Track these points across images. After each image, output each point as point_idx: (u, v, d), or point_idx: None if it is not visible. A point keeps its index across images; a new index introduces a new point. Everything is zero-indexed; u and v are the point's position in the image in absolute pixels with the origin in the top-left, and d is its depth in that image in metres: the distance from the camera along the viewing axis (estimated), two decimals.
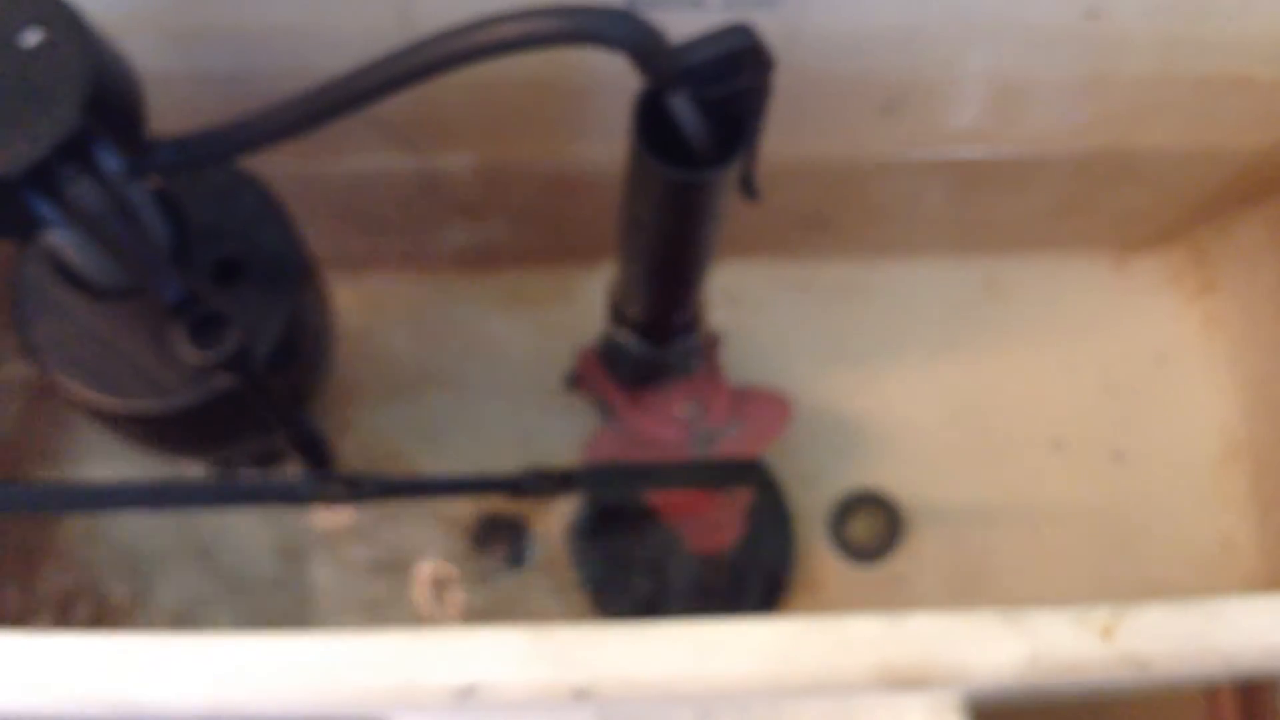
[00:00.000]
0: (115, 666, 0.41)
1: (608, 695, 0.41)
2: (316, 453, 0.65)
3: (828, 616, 0.44)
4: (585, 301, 0.88)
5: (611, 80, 0.54)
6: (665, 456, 0.76)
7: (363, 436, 0.90)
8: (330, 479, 0.56)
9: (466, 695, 0.41)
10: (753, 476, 0.72)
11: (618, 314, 0.73)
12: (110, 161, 0.46)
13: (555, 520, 0.88)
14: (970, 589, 0.89)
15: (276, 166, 0.62)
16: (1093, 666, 0.44)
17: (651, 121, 0.51)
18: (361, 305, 0.91)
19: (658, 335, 0.72)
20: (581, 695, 0.42)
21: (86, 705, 0.41)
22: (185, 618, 0.84)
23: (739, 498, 0.78)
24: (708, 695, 0.43)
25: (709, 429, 0.77)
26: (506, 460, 0.88)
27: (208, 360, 0.48)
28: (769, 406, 0.81)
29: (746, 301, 0.93)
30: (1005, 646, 0.44)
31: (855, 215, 0.89)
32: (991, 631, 0.44)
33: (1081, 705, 0.76)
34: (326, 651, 0.41)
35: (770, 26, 0.51)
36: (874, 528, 0.90)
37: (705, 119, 0.50)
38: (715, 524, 0.79)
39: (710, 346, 0.78)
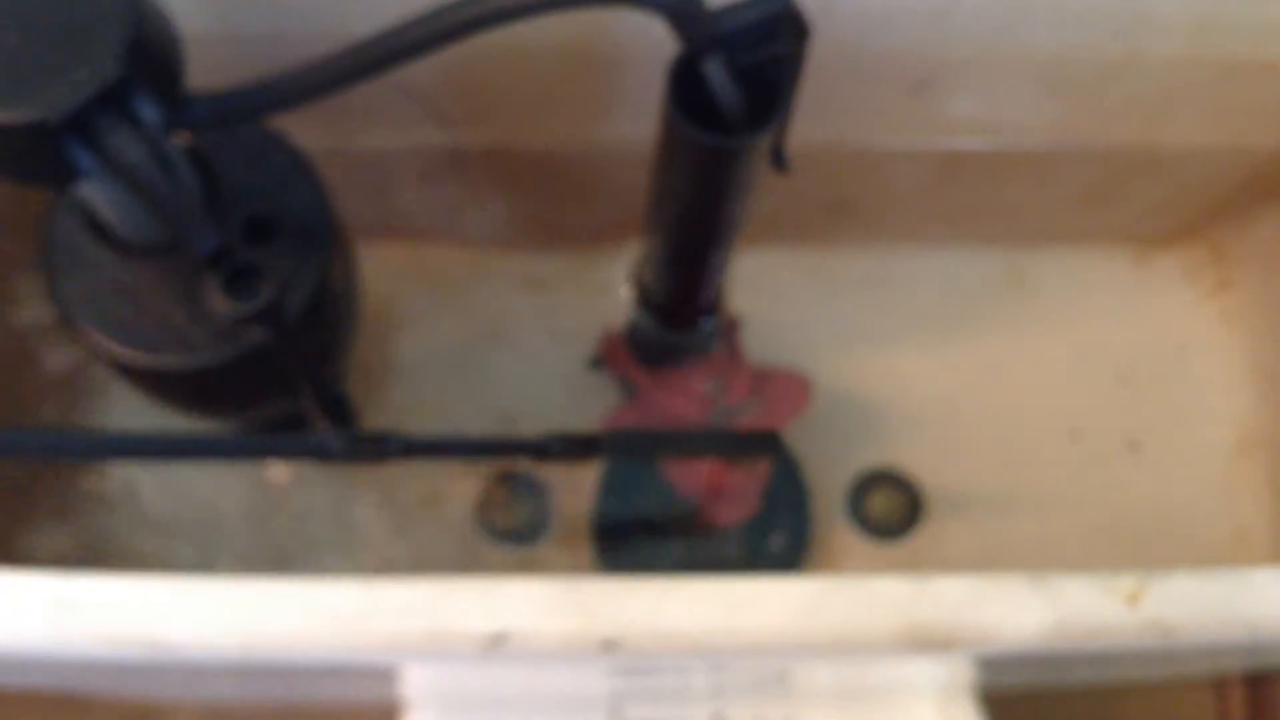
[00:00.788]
0: (146, 606, 0.42)
1: (636, 646, 0.42)
2: (341, 415, 0.65)
3: (854, 576, 0.44)
4: (610, 282, 0.89)
5: (643, 51, 0.54)
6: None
7: (383, 406, 0.90)
8: (356, 437, 0.57)
9: (497, 643, 0.41)
10: (773, 447, 0.73)
11: (641, 295, 0.73)
12: (149, 112, 0.47)
13: (572, 489, 0.88)
14: (987, 569, 0.89)
15: (306, 139, 0.62)
16: (1118, 632, 0.44)
17: (685, 88, 0.51)
18: (386, 274, 0.91)
19: (680, 317, 0.72)
20: (610, 646, 0.42)
21: (117, 645, 0.42)
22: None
23: (757, 471, 0.79)
24: (736, 650, 0.43)
25: (729, 406, 0.77)
26: (527, 433, 0.89)
27: (241, 312, 0.48)
28: (789, 385, 0.81)
29: (768, 287, 0.94)
30: (1032, 610, 0.44)
31: (878, 201, 0.90)
32: (1019, 595, 0.44)
33: (1093, 699, 0.77)
34: (359, 596, 0.42)
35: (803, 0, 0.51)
36: (893, 506, 0.91)
37: (740, 86, 0.50)
38: (733, 497, 0.79)
39: (730, 329, 0.79)
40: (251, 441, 0.58)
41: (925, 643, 0.43)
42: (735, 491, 0.79)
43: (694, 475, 0.78)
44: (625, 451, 0.73)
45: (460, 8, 0.48)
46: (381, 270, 0.91)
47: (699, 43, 0.49)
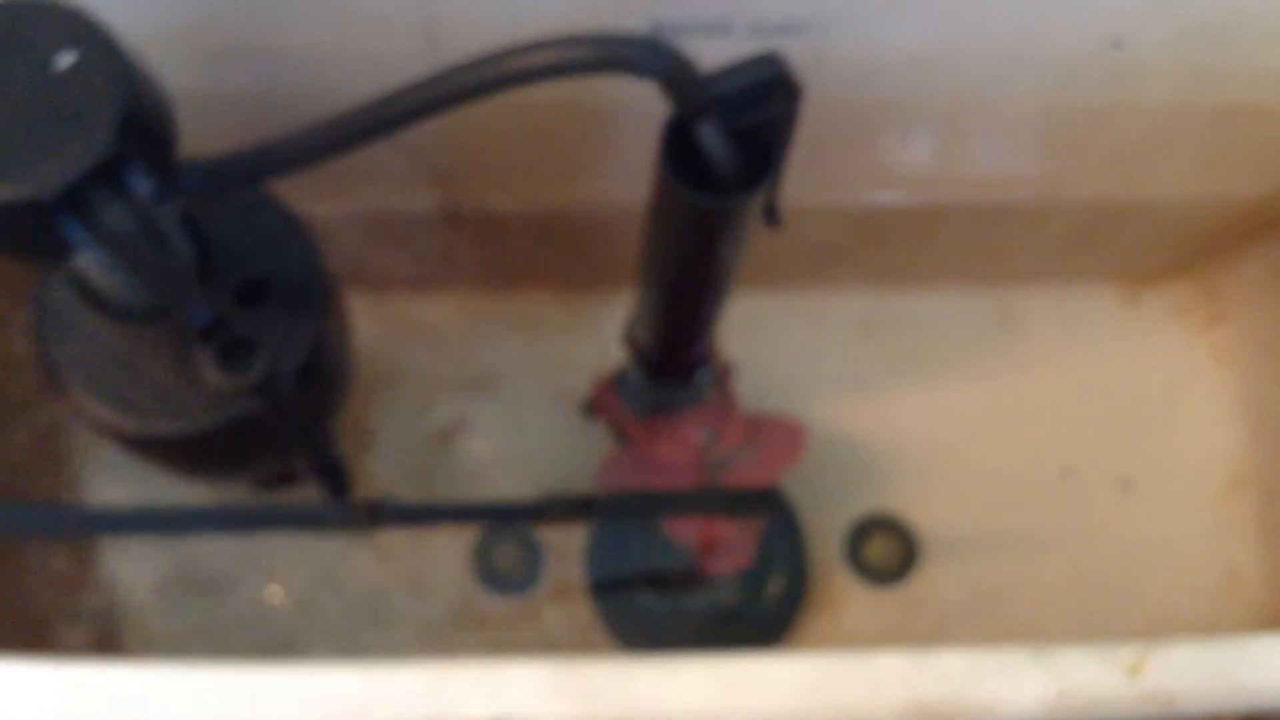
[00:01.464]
0: (153, 696, 0.41)
1: None
2: (334, 476, 0.65)
3: (855, 652, 0.44)
4: (602, 328, 0.89)
5: (635, 105, 0.54)
6: (679, 482, 0.76)
7: (380, 455, 0.90)
8: (352, 505, 0.56)
9: None
10: (767, 505, 0.73)
11: (633, 349, 0.73)
12: (141, 185, 0.46)
13: (568, 539, 0.88)
14: (985, 613, 0.90)
15: (298, 199, 0.62)
16: (1120, 704, 0.44)
17: (678, 148, 0.51)
18: (380, 324, 0.91)
19: (673, 372, 0.72)
20: None
21: None
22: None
23: (752, 523, 0.78)
24: None
25: (723, 455, 0.77)
26: (521, 481, 0.89)
27: (237, 384, 0.48)
28: (783, 433, 0.81)
29: (760, 331, 0.94)
30: (1033, 683, 0.44)
31: (868, 246, 0.90)
32: (1019, 668, 0.44)
33: None
34: (357, 682, 0.41)
35: (796, 52, 0.51)
36: (889, 551, 0.91)
37: (733, 147, 0.50)
38: (729, 548, 0.79)
39: (723, 376, 0.78)
40: (248, 513, 0.58)
41: (928, 717, 0.43)
42: (730, 543, 0.79)
43: (689, 527, 0.78)
44: (620, 513, 0.73)
45: (455, 76, 0.48)
46: (373, 319, 0.91)
47: (693, 107, 0.49)
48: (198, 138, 0.51)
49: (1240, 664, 0.45)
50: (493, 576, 0.87)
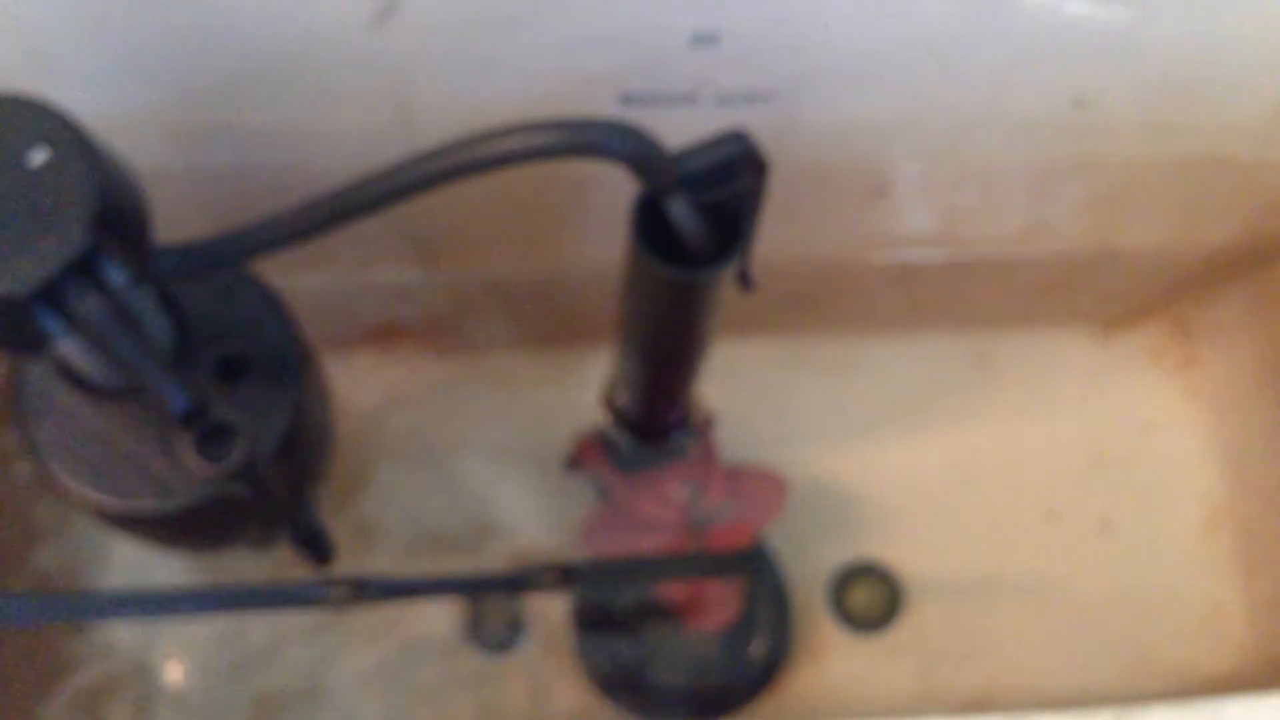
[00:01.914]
0: None
1: None
2: (317, 545, 0.65)
3: None
4: (583, 383, 0.89)
5: (610, 172, 0.55)
6: (662, 537, 0.77)
7: (361, 515, 0.90)
8: (336, 581, 0.57)
9: None
10: (750, 566, 0.73)
11: (612, 410, 0.73)
12: (116, 275, 0.47)
13: (553, 599, 0.88)
14: (971, 657, 0.90)
15: (274, 267, 0.63)
16: None
17: (650, 221, 0.52)
18: (356, 382, 0.92)
19: (652, 431, 0.73)
20: None
21: None
22: None
23: (735, 581, 0.79)
24: None
25: (705, 510, 0.78)
26: (505, 538, 0.90)
27: (216, 472, 0.48)
28: (765, 486, 0.81)
29: (739, 379, 0.94)
30: None
31: (845, 296, 0.91)
32: None
33: None
34: None
35: (763, 120, 0.52)
36: (873, 598, 0.91)
37: (702, 221, 0.51)
38: (713, 604, 0.79)
39: (705, 427, 0.79)
40: (234, 594, 0.58)
41: None
42: (716, 599, 0.79)
43: (672, 587, 0.78)
44: (604, 579, 0.74)
45: (427, 162, 0.48)
46: (351, 378, 0.91)
47: (662, 185, 0.50)
48: (174, 215, 0.52)
49: None
50: (477, 637, 0.87)
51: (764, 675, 0.88)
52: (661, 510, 0.78)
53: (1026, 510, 0.95)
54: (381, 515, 0.91)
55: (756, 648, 0.88)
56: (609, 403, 0.75)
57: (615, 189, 0.53)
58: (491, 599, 0.86)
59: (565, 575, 0.61)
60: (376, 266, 0.80)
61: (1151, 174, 0.76)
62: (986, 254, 0.85)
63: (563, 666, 0.87)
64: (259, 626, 0.86)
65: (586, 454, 0.83)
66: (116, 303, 0.47)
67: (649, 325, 0.60)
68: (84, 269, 0.45)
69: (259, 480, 0.51)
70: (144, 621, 0.81)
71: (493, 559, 0.88)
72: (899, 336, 0.97)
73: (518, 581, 0.62)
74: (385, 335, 0.92)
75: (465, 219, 0.76)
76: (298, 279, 0.62)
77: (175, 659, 0.85)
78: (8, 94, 0.46)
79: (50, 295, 0.45)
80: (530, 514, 0.91)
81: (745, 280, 0.57)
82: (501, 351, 0.94)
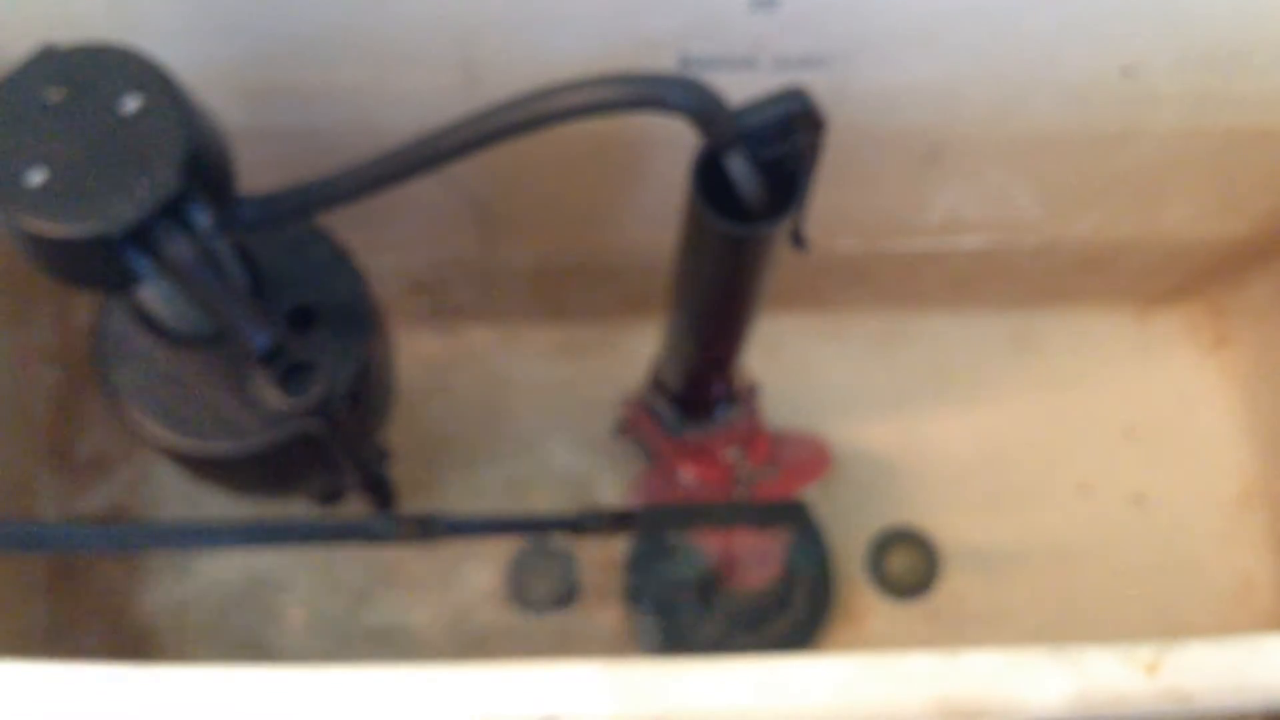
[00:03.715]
0: (186, 697, 0.44)
1: None
2: (381, 492, 0.67)
3: (886, 653, 0.46)
4: (632, 351, 0.91)
5: (665, 138, 0.57)
6: (708, 497, 0.78)
7: (420, 480, 0.92)
8: (403, 519, 0.59)
9: None
10: (798, 516, 0.75)
11: (660, 388, 0.75)
12: (203, 219, 0.49)
13: (602, 559, 0.90)
14: (1004, 624, 0.92)
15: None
16: (1138, 701, 0.46)
17: (708, 179, 0.53)
18: (419, 354, 0.94)
19: (697, 407, 0.74)
20: None
21: None
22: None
23: (779, 538, 0.81)
24: None
25: (751, 472, 0.79)
26: (557, 503, 0.92)
27: (296, 406, 0.50)
28: (808, 449, 0.83)
29: (785, 351, 0.96)
30: (1055, 681, 0.46)
31: (889, 272, 0.92)
32: (1042, 668, 0.46)
33: None
34: (413, 684, 0.44)
35: (819, 85, 0.53)
36: (911, 564, 0.93)
37: (760, 177, 0.53)
38: (756, 561, 0.81)
39: (750, 395, 0.81)
40: (303, 527, 0.60)
41: (956, 714, 0.45)
42: (758, 556, 0.81)
43: (718, 542, 0.80)
44: (658, 526, 0.75)
45: (497, 115, 0.50)
46: (412, 345, 0.93)
47: (722, 140, 0.51)
48: (246, 173, 0.54)
49: (1253, 662, 0.47)
50: (531, 599, 0.90)
51: (804, 637, 0.89)
52: (708, 472, 0.79)
53: (1061, 483, 0.97)
54: (437, 482, 0.93)
55: (797, 610, 0.89)
56: (657, 380, 0.76)
57: (673, 155, 0.54)
58: (543, 560, 0.88)
59: (620, 519, 0.63)
60: (443, 247, 0.82)
61: (1195, 146, 0.77)
62: (1032, 228, 0.86)
63: (611, 624, 0.89)
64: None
65: (635, 419, 0.85)
66: (202, 246, 0.49)
67: (704, 284, 0.61)
68: (173, 212, 0.47)
69: (334, 418, 0.53)
70: (220, 552, 0.83)
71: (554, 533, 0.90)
72: (940, 312, 0.99)
73: (575, 523, 0.64)
74: (447, 310, 0.94)
75: (527, 201, 0.78)
76: (371, 259, 0.64)
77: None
78: (104, 44, 0.49)
79: (140, 236, 0.47)
80: (583, 476, 0.93)
81: (799, 240, 0.58)
82: (553, 321, 0.96)
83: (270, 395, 0.51)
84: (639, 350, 0.83)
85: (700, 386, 0.75)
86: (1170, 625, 0.92)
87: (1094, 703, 0.46)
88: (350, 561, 0.89)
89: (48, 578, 0.82)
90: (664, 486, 0.82)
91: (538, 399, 0.95)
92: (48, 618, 0.81)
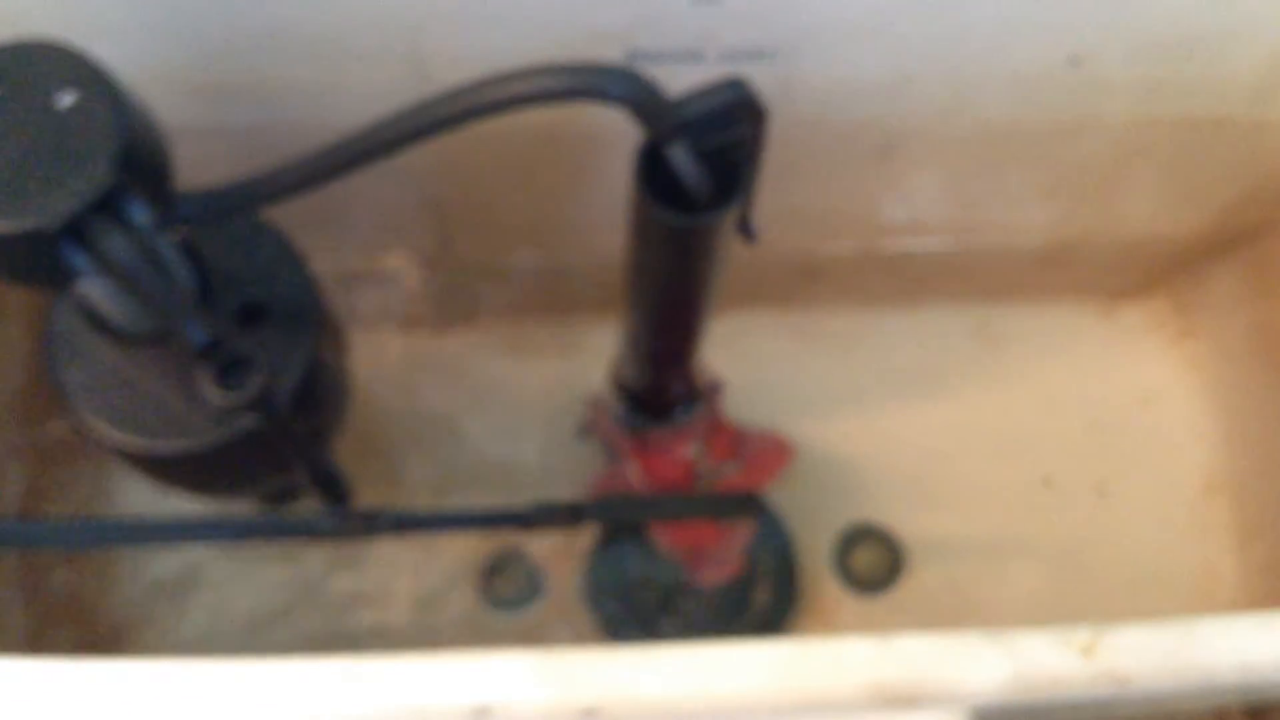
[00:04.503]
0: (129, 691, 0.44)
1: (614, 714, 0.44)
2: (334, 490, 0.67)
3: (822, 639, 0.46)
4: (593, 351, 0.92)
5: (615, 134, 0.57)
6: (670, 493, 0.78)
7: (375, 483, 0.92)
8: (348, 514, 0.59)
9: (481, 715, 0.43)
10: (753, 507, 0.75)
11: (620, 389, 0.75)
12: (140, 214, 0.49)
13: (566, 558, 0.90)
14: (970, 617, 0.92)
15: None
16: (1074, 683, 0.46)
17: (653, 171, 0.53)
18: (372, 355, 0.94)
19: (657, 408, 0.74)
20: (589, 714, 0.44)
21: None
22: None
23: (738, 533, 0.81)
24: (710, 714, 0.45)
25: (712, 466, 0.79)
26: (519, 496, 0.91)
27: (233, 401, 0.50)
28: (769, 445, 0.83)
29: (747, 349, 0.97)
30: (990, 665, 0.46)
31: (849, 269, 0.93)
32: (977, 651, 0.46)
33: None
34: (341, 673, 0.44)
35: (766, 78, 0.53)
36: (876, 560, 0.93)
37: (703, 167, 0.53)
38: (716, 559, 0.81)
39: (712, 392, 0.81)
40: (243, 523, 0.60)
41: (891, 699, 0.45)
42: (717, 553, 0.81)
43: (676, 536, 0.80)
44: (610, 518, 0.75)
45: (441, 104, 0.50)
46: (370, 346, 0.93)
47: (663, 130, 0.51)
48: (197, 173, 0.54)
49: (1190, 644, 0.47)
50: (496, 599, 0.89)
51: (770, 632, 0.89)
52: (669, 470, 0.79)
53: (1026, 476, 0.97)
54: (394, 486, 0.93)
55: (761, 606, 0.89)
56: (616, 381, 0.76)
57: (624, 167, 0.54)
58: (506, 561, 0.89)
59: (575, 513, 0.63)
60: (399, 247, 0.82)
61: (1151, 137, 0.77)
62: (991, 224, 0.87)
63: (575, 622, 0.89)
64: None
65: (598, 418, 0.85)
66: (141, 241, 0.49)
67: (654, 277, 0.61)
68: (109, 206, 0.47)
69: (276, 414, 0.53)
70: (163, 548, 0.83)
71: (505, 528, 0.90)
72: (903, 309, 0.99)
73: (529, 518, 0.63)
74: (407, 311, 0.94)
75: (482, 200, 0.78)
76: (321, 264, 0.64)
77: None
78: (37, 40, 0.49)
79: (77, 231, 0.47)
80: (544, 474, 0.93)
81: (747, 230, 0.58)
82: (511, 321, 0.96)
83: (209, 391, 0.51)
84: (603, 349, 0.83)
85: (658, 383, 0.75)
86: (1135, 615, 0.91)
87: (1030, 685, 0.46)
88: (315, 559, 0.89)
89: (20, 580, 0.82)
90: (625, 485, 0.82)
91: (501, 399, 0.95)
92: (25, 620, 0.81)
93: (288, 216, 0.63)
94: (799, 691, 0.45)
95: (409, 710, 0.43)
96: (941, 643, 0.46)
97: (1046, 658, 0.46)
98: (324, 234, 0.67)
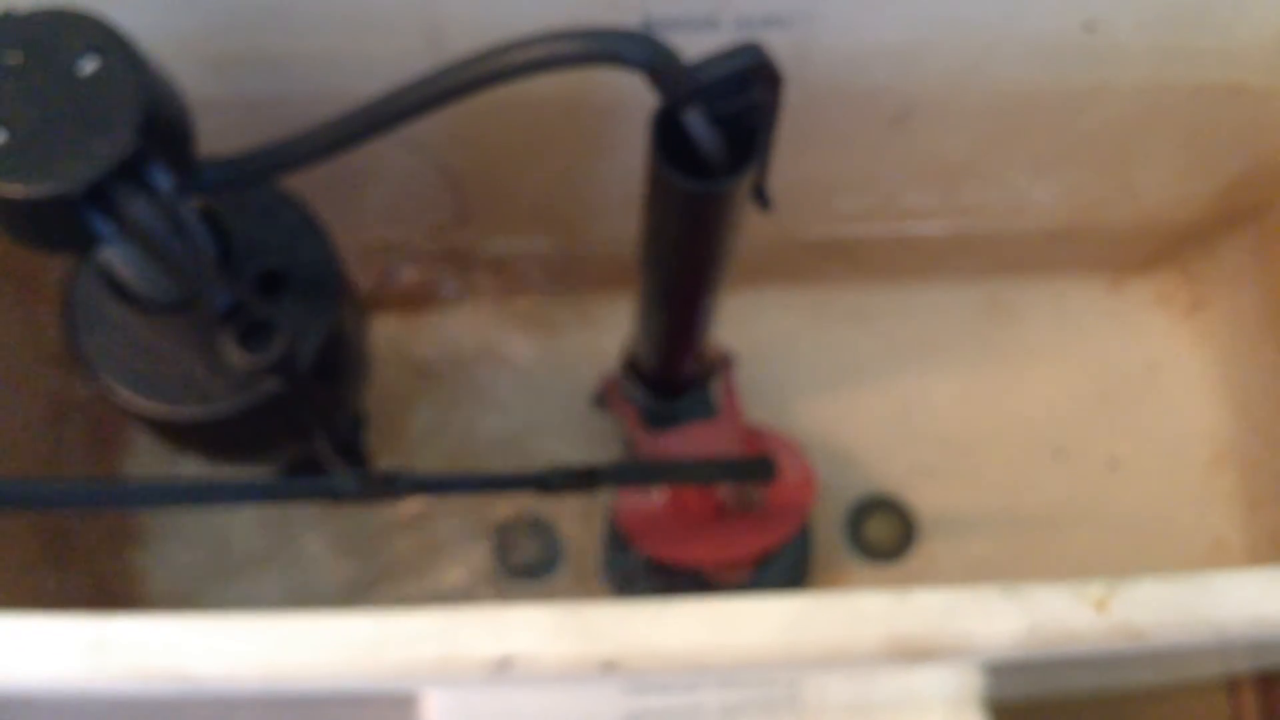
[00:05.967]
0: (176, 643, 0.44)
1: (634, 667, 0.45)
2: (354, 457, 0.68)
3: (838, 592, 0.46)
4: (607, 326, 0.92)
5: (632, 104, 0.57)
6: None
7: (389, 456, 0.93)
8: (367, 476, 0.59)
9: (504, 666, 0.44)
10: (768, 472, 0.75)
11: (633, 371, 0.75)
12: (162, 180, 0.49)
13: (583, 527, 0.91)
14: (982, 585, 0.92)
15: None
16: (1088, 636, 0.46)
17: (668, 138, 0.54)
18: (394, 329, 0.95)
19: (668, 386, 0.74)
20: (609, 667, 0.45)
21: (149, 681, 0.44)
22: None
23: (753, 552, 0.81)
24: (727, 666, 0.45)
25: (742, 500, 0.79)
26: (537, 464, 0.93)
27: (256, 363, 0.51)
28: (791, 476, 0.83)
29: (759, 326, 0.97)
30: (1005, 618, 0.46)
31: (861, 241, 0.93)
32: (992, 605, 0.47)
33: (1104, 706, 0.79)
34: (370, 626, 0.45)
35: (781, 45, 0.54)
36: (888, 531, 0.94)
37: (719, 133, 0.53)
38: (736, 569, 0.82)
39: (725, 367, 0.81)
40: (263, 485, 0.61)
41: (906, 652, 0.46)
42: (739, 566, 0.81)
43: (692, 558, 0.80)
44: (625, 482, 0.76)
45: (459, 70, 0.51)
46: (387, 320, 0.94)
47: (678, 96, 0.52)
48: (212, 143, 0.54)
49: (1203, 598, 0.47)
50: (512, 567, 0.90)
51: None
52: (688, 497, 0.80)
53: (1036, 448, 0.97)
54: (413, 450, 0.94)
55: (778, 577, 0.90)
56: (630, 362, 0.76)
57: (639, 121, 0.54)
58: (524, 530, 0.89)
59: (590, 476, 0.64)
60: (417, 220, 0.83)
61: (1164, 104, 0.77)
62: (1003, 197, 0.87)
63: (594, 591, 0.90)
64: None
65: (612, 393, 0.86)
66: (163, 207, 0.49)
67: (669, 247, 0.61)
68: (132, 172, 0.48)
69: (296, 377, 0.54)
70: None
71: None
72: (914, 284, 1.00)
73: (543, 480, 0.64)
74: (425, 284, 0.95)
75: (500, 172, 0.78)
76: (346, 234, 0.65)
77: None
78: (60, 7, 0.49)
79: (100, 196, 0.48)
80: (564, 445, 0.93)
81: (762, 197, 0.59)
82: (526, 296, 0.97)
83: (231, 353, 0.51)
84: (619, 325, 0.83)
85: (671, 360, 0.75)
86: None
87: (1044, 639, 0.46)
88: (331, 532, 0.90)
89: (43, 546, 0.83)
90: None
91: (516, 373, 0.96)
92: (54, 583, 0.82)
93: (306, 191, 0.63)
94: (816, 644, 0.45)
95: (435, 659, 0.44)
96: (956, 597, 0.46)
97: (1060, 611, 0.47)
98: (343, 208, 0.67)
